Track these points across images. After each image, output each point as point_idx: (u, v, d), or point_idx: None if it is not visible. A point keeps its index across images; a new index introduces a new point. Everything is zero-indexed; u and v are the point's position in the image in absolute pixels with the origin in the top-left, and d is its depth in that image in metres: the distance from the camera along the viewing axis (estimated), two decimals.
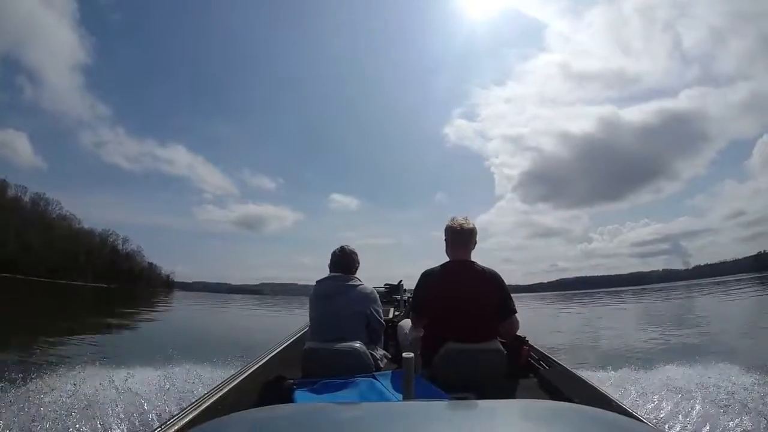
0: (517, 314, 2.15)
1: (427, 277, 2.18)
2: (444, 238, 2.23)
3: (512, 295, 2.19)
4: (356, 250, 2.41)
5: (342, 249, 2.39)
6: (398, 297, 4.99)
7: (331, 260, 2.38)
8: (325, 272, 2.38)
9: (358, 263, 2.42)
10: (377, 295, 2.35)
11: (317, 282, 2.35)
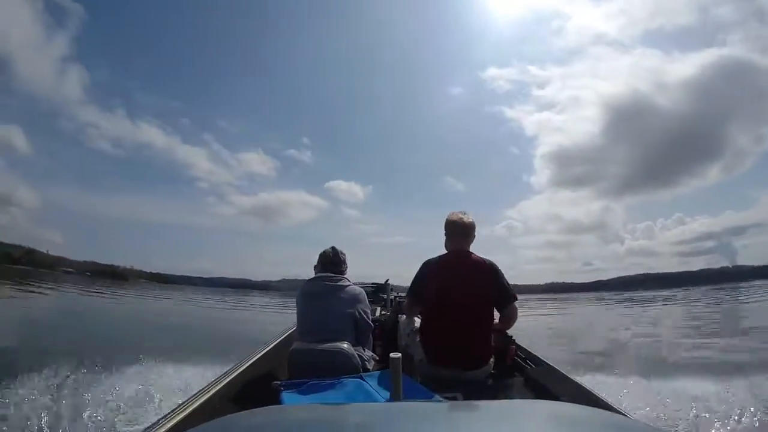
0: (516, 302, 2.25)
1: (426, 266, 2.31)
2: (444, 231, 2.35)
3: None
4: (344, 251, 2.41)
5: (332, 249, 2.39)
6: (385, 296, 5.00)
7: (319, 260, 2.38)
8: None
9: (347, 264, 2.42)
10: (366, 296, 2.34)
11: (306, 282, 2.34)
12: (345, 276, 2.36)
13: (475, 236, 2.33)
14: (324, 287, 2.24)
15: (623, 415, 1.38)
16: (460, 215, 2.33)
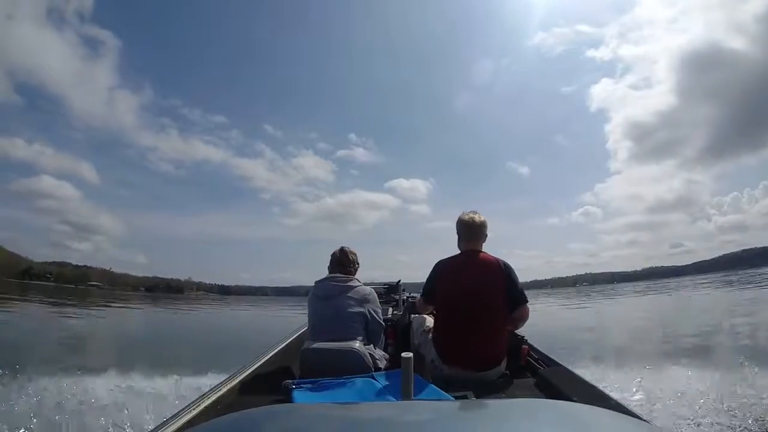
0: (528, 303, 2.24)
1: (438, 266, 2.31)
2: (456, 231, 2.34)
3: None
4: (355, 251, 2.43)
5: (342, 250, 2.41)
6: (397, 297, 4.99)
7: (330, 261, 2.40)
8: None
9: (358, 264, 2.43)
10: (376, 296, 2.36)
11: (316, 282, 2.35)
12: (355, 276, 2.37)
13: (487, 235, 2.33)
14: (333, 288, 2.26)
15: (635, 416, 1.35)
16: (472, 215, 2.33)
